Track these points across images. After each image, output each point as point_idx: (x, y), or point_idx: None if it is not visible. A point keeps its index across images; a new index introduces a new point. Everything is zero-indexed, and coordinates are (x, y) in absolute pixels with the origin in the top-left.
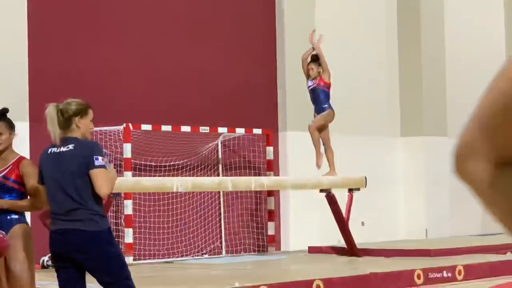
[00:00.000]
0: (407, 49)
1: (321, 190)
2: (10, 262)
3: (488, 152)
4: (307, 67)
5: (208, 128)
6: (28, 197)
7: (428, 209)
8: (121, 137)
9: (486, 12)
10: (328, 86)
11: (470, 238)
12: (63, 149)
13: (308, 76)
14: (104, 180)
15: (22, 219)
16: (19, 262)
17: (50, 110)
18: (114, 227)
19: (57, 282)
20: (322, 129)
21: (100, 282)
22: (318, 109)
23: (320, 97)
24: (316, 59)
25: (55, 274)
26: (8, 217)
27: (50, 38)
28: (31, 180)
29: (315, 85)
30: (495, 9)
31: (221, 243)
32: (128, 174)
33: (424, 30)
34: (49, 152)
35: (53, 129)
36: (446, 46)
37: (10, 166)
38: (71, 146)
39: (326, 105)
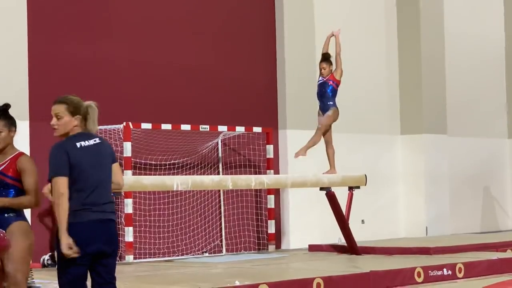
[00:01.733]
0: (406, 47)
1: (321, 188)
2: (4, 260)
3: None
4: (319, 66)
5: (208, 126)
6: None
7: (428, 207)
8: (121, 136)
9: (486, 10)
10: (337, 83)
11: (470, 236)
12: (92, 142)
13: (320, 74)
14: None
15: (20, 217)
16: (13, 261)
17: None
18: None
19: (56, 281)
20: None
21: (109, 278)
22: (323, 106)
23: (326, 93)
24: (328, 57)
25: (55, 273)
26: (6, 215)
27: (49, 36)
28: (28, 177)
29: (324, 79)
30: (495, 7)
31: (221, 241)
32: (128, 172)
33: (424, 28)
34: (78, 146)
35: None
36: (446, 44)
37: (8, 162)
38: (98, 140)
39: (331, 102)
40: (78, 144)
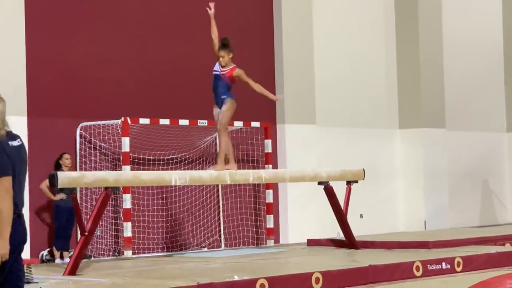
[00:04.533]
0: (405, 42)
1: (320, 183)
2: None
3: None
4: (218, 54)
5: (206, 121)
6: None
7: (427, 201)
8: (119, 131)
9: (484, 5)
10: (233, 80)
11: (469, 230)
12: (17, 143)
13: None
14: None
15: None
16: None
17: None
18: (113, 221)
19: (55, 276)
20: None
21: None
22: (218, 99)
23: (220, 86)
24: (226, 44)
25: (54, 269)
26: None
27: (47, 32)
28: None
29: (220, 73)
30: (493, 2)
31: (220, 236)
32: (127, 168)
33: (422, 23)
34: (11, 145)
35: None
36: (444, 38)
37: None
38: (20, 141)
39: (225, 96)
40: (10, 144)
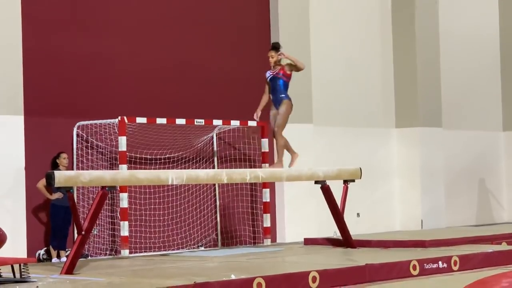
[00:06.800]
0: (401, 41)
1: (316, 182)
2: None
3: None
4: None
5: (203, 120)
6: None
7: (423, 200)
8: (116, 130)
9: (481, 4)
10: (288, 76)
11: (465, 229)
12: None
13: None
14: None
15: None
16: None
17: None
18: (110, 220)
19: (52, 275)
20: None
21: None
22: (276, 99)
23: (278, 86)
24: (276, 46)
25: (51, 268)
26: None
27: (44, 31)
28: None
29: (273, 74)
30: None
31: (217, 235)
32: (123, 167)
33: (419, 22)
34: None
35: None
36: (441, 37)
37: None
38: None
39: (283, 95)
40: None
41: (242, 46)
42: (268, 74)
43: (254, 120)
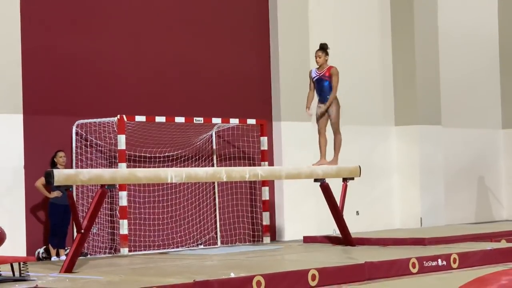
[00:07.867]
0: (400, 39)
1: (316, 180)
2: None
3: None
4: (315, 54)
5: (202, 119)
6: None
7: (423, 197)
8: (115, 129)
9: (480, 1)
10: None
11: (465, 226)
12: None
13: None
14: None
15: None
16: None
17: None
18: (109, 218)
19: (51, 273)
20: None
21: None
22: (323, 99)
23: (324, 87)
24: (324, 47)
25: (50, 266)
26: None
27: (43, 30)
28: None
29: (319, 75)
30: None
31: (216, 233)
32: (123, 165)
33: (418, 19)
34: None
35: None
36: (440, 35)
37: None
38: None
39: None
40: None
41: (241, 44)
42: (314, 74)
43: (309, 115)
